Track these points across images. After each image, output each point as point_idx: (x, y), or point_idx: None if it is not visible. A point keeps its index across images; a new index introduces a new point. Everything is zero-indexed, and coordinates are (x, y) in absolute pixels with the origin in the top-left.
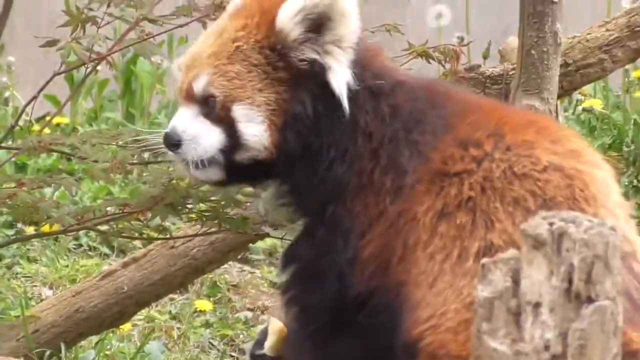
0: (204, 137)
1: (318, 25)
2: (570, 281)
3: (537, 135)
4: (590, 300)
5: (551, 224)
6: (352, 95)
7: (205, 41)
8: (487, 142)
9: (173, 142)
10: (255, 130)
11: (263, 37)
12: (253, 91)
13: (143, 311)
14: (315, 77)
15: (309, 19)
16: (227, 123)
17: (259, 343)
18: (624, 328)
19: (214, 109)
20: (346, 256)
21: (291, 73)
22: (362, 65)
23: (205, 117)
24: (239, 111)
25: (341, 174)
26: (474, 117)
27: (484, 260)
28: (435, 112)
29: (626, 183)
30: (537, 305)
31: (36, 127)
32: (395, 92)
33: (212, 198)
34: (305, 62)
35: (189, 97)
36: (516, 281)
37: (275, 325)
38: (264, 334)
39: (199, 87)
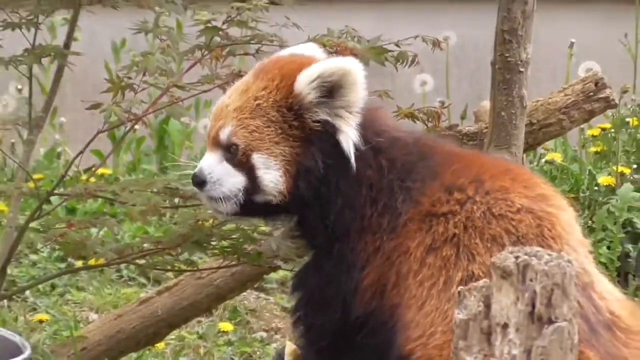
0: (226, 180)
1: (331, 91)
2: (533, 305)
3: (512, 181)
4: (550, 321)
5: (517, 257)
6: (359, 152)
7: (231, 96)
8: (469, 187)
9: (199, 181)
10: (272, 177)
11: (282, 98)
12: (270, 143)
13: (174, 332)
14: (326, 137)
15: (323, 86)
16: (247, 168)
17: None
18: (582, 348)
19: (236, 156)
20: (349, 287)
21: (304, 131)
22: (366, 126)
23: (228, 162)
24: (257, 159)
25: (349, 219)
26: (457, 166)
27: (460, 288)
28: (423, 163)
29: (582, 223)
30: (505, 326)
31: (83, 177)
32: (392, 148)
33: (232, 236)
34: (319, 123)
35: (216, 143)
36: (487, 305)
37: (290, 348)
38: (280, 355)
39: (224, 135)
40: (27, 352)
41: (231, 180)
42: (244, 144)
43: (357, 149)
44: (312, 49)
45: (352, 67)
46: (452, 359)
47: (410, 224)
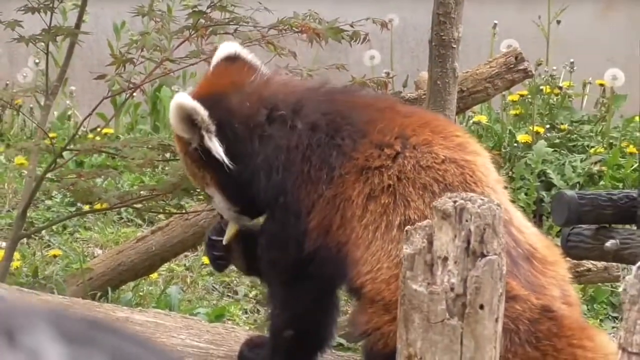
0: (218, 206)
1: (191, 124)
2: (468, 242)
3: (432, 134)
4: (483, 255)
5: (455, 202)
6: (261, 132)
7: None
8: (396, 144)
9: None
10: (218, 199)
11: (181, 146)
12: (202, 179)
13: (166, 264)
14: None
15: (183, 124)
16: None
17: (216, 230)
18: (507, 279)
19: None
20: (300, 230)
21: (204, 159)
22: (234, 114)
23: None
24: (208, 192)
25: (279, 179)
26: (381, 124)
27: (408, 227)
28: (346, 122)
29: (504, 174)
30: (445, 259)
31: (90, 136)
32: (301, 113)
33: None
34: (200, 149)
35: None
36: (430, 242)
37: (232, 227)
38: (221, 225)
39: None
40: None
41: (219, 205)
42: (198, 186)
43: (263, 129)
44: (232, 48)
45: (177, 100)
46: (401, 287)
47: (348, 176)
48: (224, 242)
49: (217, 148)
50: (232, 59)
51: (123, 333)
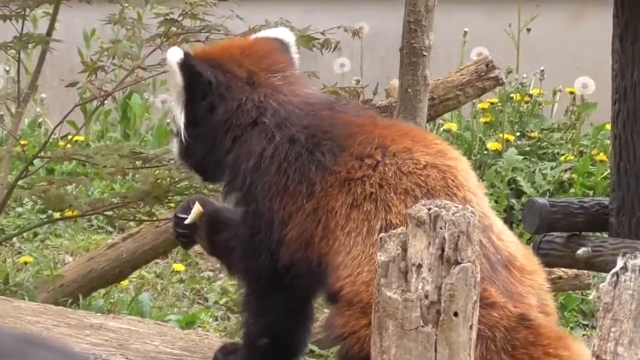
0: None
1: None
2: (442, 249)
3: (412, 142)
4: (457, 262)
5: (429, 209)
6: (239, 133)
7: None
8: (376, 153)
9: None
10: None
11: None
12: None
13: (136, 272)
14: None
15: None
16: None
17: (183, 208)
18: (485, 285)
19: None
20: (273, 239)
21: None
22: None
23: None
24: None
25: (248, 184)
26: (360, 137)
27: (382, 235)
28: (325, 137)
29: None
30: (419, 266)
31: (61, 144)
32: (284, 126)
33: (185, 192)
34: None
35: None
36: (405, 249)
37: (197, 208)
38: (189, 203)
39: None
40: None
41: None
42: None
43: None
44: (282, 33)
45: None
46: (375, 294)
47: (331, 189)
48: (187, 222)
49: (179, 116)
50: (281, 44)
51: (53, 346)
